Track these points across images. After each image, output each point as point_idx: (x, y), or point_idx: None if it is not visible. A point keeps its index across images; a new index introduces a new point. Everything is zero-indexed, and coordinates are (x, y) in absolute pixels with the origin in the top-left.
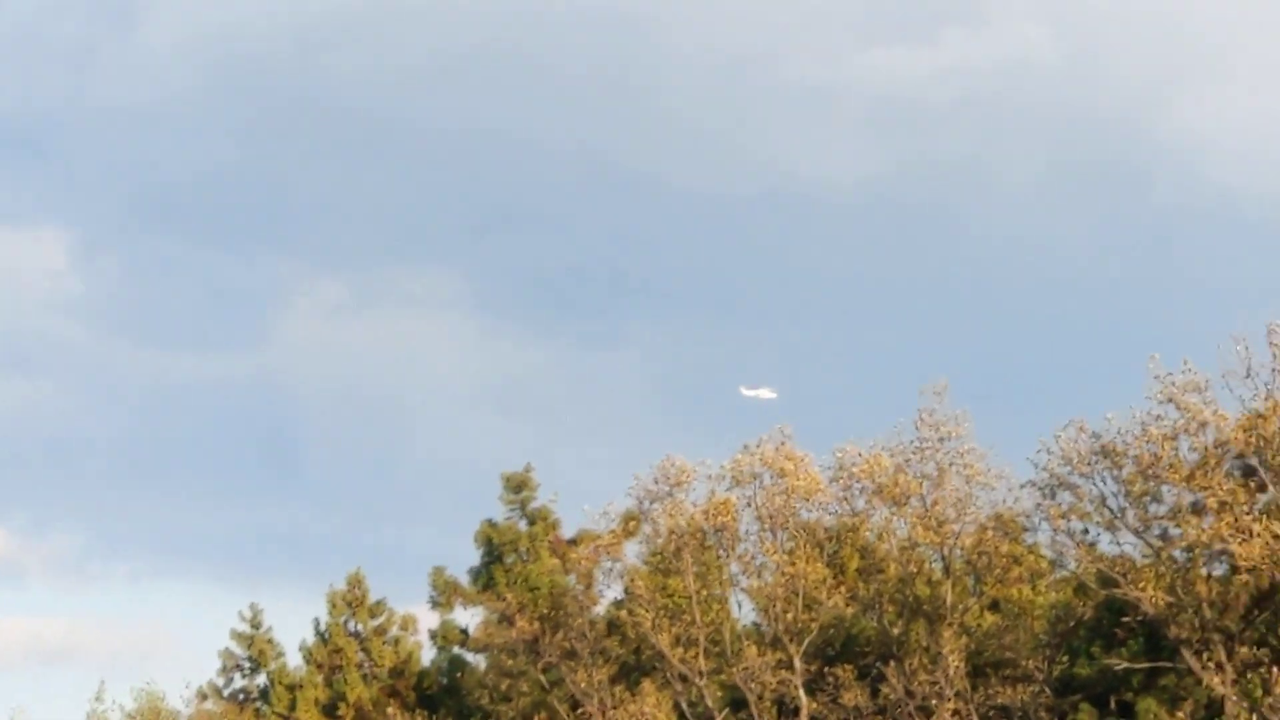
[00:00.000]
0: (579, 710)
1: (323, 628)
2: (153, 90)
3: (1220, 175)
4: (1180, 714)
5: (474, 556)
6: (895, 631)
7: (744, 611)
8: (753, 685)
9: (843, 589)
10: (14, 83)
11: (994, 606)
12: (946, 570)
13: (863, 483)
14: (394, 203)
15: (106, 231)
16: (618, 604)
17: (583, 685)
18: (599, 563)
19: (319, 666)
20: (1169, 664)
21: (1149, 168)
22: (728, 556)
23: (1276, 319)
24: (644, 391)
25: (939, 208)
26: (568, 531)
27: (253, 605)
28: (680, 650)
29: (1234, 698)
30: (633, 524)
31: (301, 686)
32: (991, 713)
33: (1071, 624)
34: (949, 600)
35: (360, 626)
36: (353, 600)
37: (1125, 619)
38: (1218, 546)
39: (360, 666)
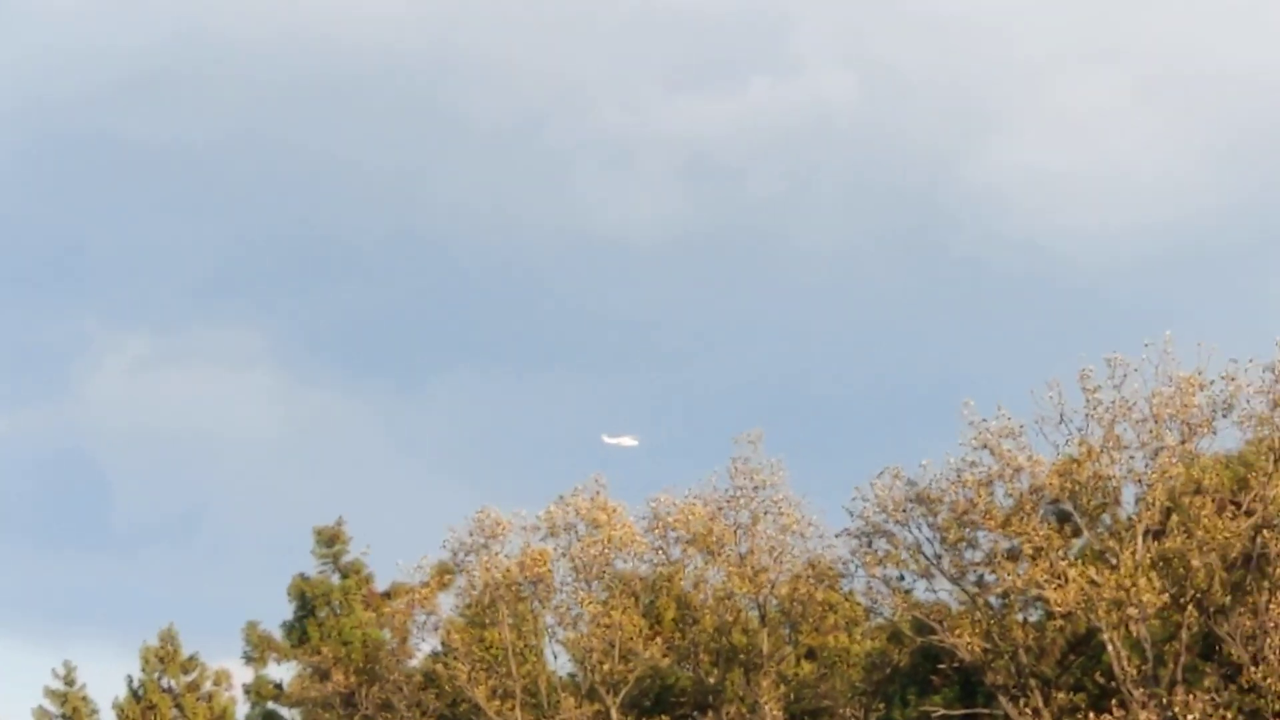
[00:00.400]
0: None
1: (136, 684)
2: None
3: (1021, 223)
4: None
5: (287, 610)
6: (711, 681)
7: (560, 663)
8: None
9: (659, 639)
10: None
11: (810, 655)
12: (763, 619)
13: (677, 532)
14: (197, 258)
15: None
16: (434, 656)
17: None
18: (413, 615)
19: None
20: (985, 710)
21: (955, 210)
22: (543, 608)
23: (1088, 364)
24: (455, 443)
25: (745, 256)
26: (381, 584)
27: (66, 663)
28: (497, 702)
29: None
30: (447, 576)
31: None
32: None
33: (887, 671)
34: (765, 649)
35: (173, 682)
36: (165, 656)
37: (941, 665)
38: (1033, 592)
39: None
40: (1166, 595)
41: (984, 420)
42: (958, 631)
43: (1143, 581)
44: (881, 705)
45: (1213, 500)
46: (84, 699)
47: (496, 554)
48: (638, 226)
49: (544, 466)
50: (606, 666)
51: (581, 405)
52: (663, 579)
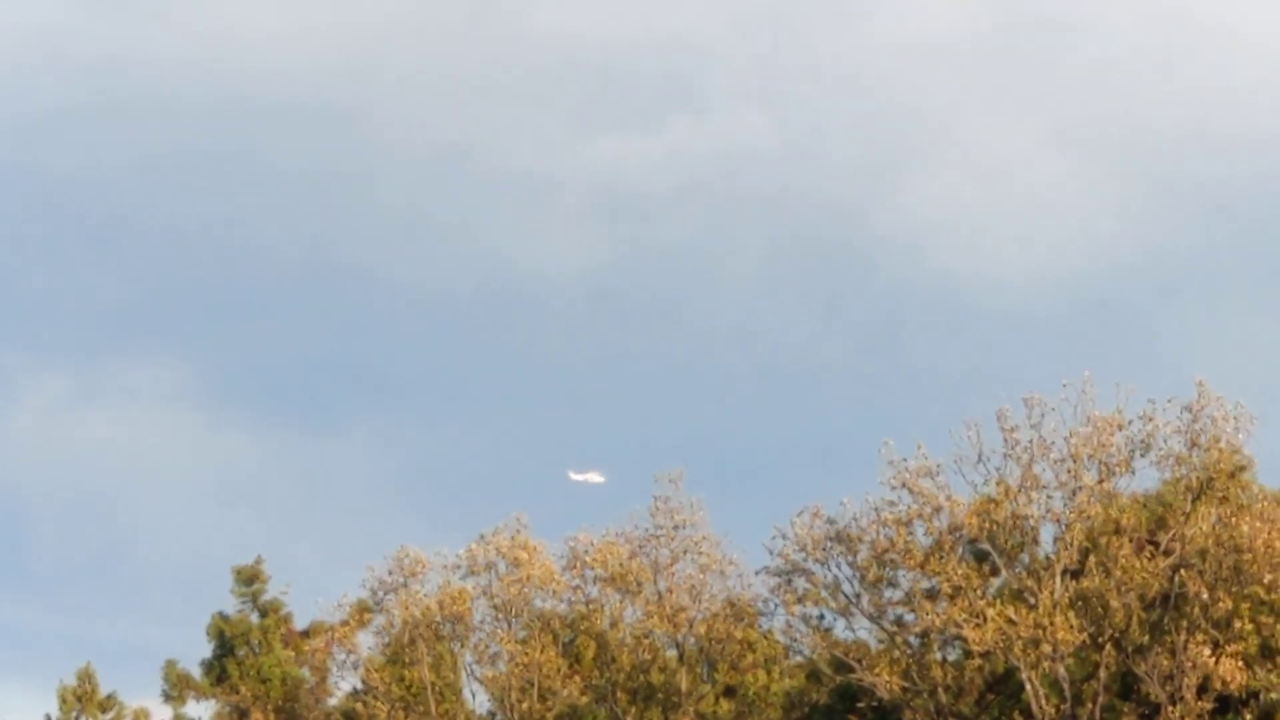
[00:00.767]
0: None
1: None
2: None
3: (942, 261)
4: None
5: (206, 649)
6: None
7: (479, 701)
8: None
9: (577, 678)
10: None
11: (729, 693)
12: (681, 657)
13: (595, 571)
14: (116, 296)
15: None
16: (353, 695)
17: None
18: (333, 654)
19: None
20: None
21: (871, 254)
22: (462, 647)
23: (1006, 404)
24: (374, 483)
25: (664, 296)
26: (301, 623)
27: None
28: None
29: None
30: (366, 615)
31: None
32: None
33: (806, 710)
34: (684, 687)
35: None
36: (83, 695)
37: (860, 704)
38: (952, 631)
39: None
40: (1084, 634)
41: (903, 460)
42: (876, 670)
43: (1060, 620)
44: None
45: (1131, 540)
46: None
47: (416, 592)
48: (554, 266)
49: (460, 506)
50: (525, 705)
51: (497, 446)
52: (581, 617)
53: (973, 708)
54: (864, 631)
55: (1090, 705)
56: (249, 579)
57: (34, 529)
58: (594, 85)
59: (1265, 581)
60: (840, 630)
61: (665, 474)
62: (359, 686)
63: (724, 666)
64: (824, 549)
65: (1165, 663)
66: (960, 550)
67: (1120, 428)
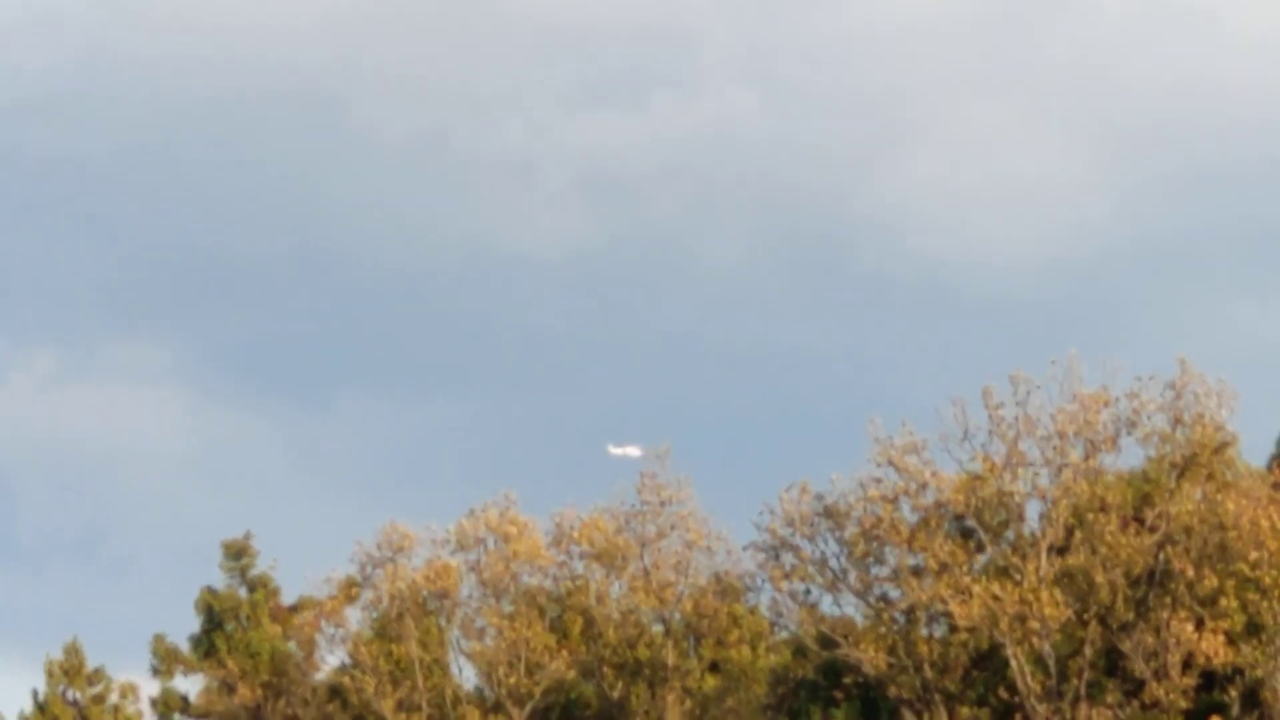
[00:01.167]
0: None
1: (41, 698)
2: None
3: (925, 241)
4: None
5: (194, 624)
6: (616, 695)
7: (467, 676)
8: None
9: (565, 653)
10: None
11: (715, 668)
12: (667, 633)
13: (581, 547)
14: (104, 276)
15: None
16: (341, 670)
17: None
18: (320, 629)
19: None
20: None
21: (853, 236)
22: (448, 622)
23: (991, 383)
24: (362, 459)
25: (649, 273)
26: (289, 598)
27: None
28: (403, 715)
29: None
30: (354, 590)
31: None
32: None
33: (792, 685)
34: (670, 663)
35: (78, 695)
36: (70, 669)
37: (845, 680)
38: (938, 607)
39: None
40: (1070, 611)
41: (889, 437)
42: (862, 646)
43: (1046, 597)
44: (786, 719)
45: (1116, 516)
46: None
47: (403, 566)
48: (541, 243)
49: (449, 484)
50: (513, 680)
51: (485, 421)
52: (568, 593)
53: (958, 683)
54: (850, 607)
55: (1075, 681)
56: (237, 554)
57: (22, 505)
58: (577, 63)
59: (1250, 559)
60: (826, 606)
61: (652, 449)
62: (346, 661)
63: (710, 642)
64: (811, 525)
65: (1150, 639)
66: (946, 527)
67: (1106, 405)
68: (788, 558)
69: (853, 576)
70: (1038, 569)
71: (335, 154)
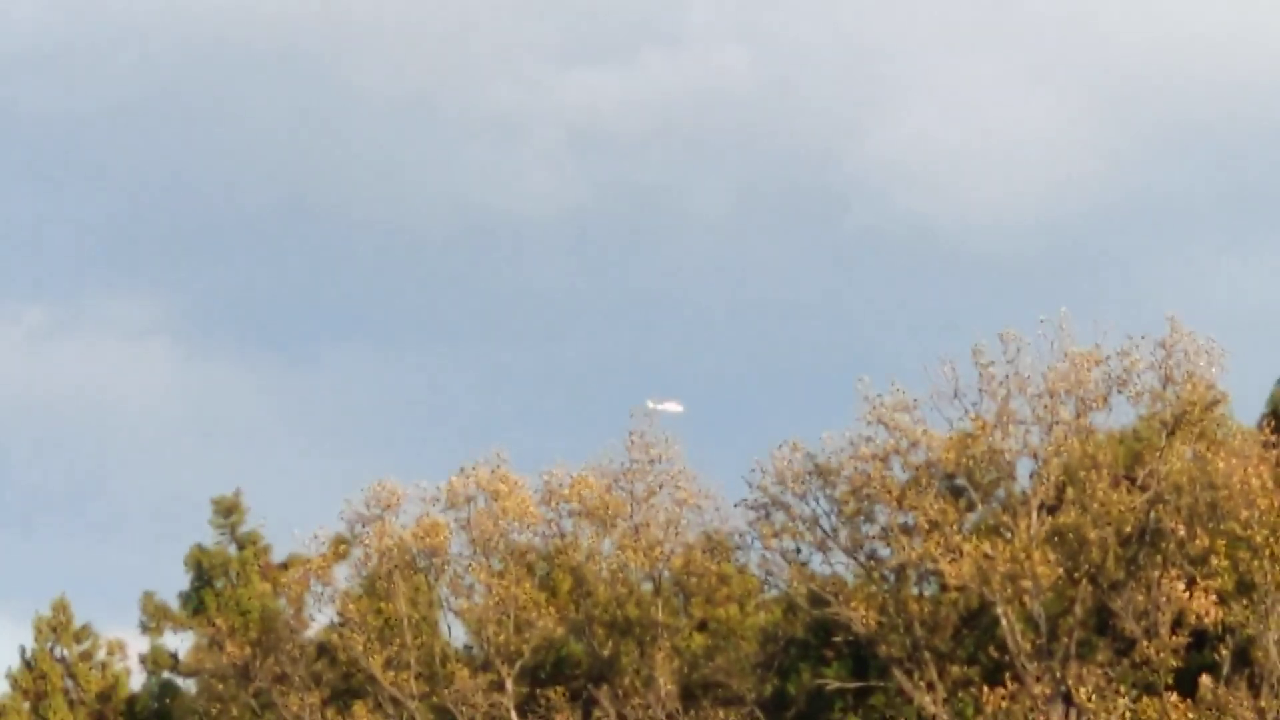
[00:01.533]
0: None
1: (28, 654)
2: None
3: (917, 197)
4: None
5: (184, 581)
6: (605, 653)
7: (456, 634)
8: (464, 708)
9: (554, 611)
10: None
11: (703, 627)
12: (656, 591)
13: (570, 504)
14: (92, 229)
15: None
16: (330, 628)
17: (294, 710)
18: (310, 586)
19: (25, 693)
20: (879, 683)
21: (842, 193)
22: (437, 580)
23: (981, 341)
24: (350, 415)
25: (639, 229)
26: (278, 555)
27: None
28: (392, 674)
29: (945, 717)
30: (343, 547)
31: (5, 714)
32: None
33: (781, 643)
34: (660, 621)
35: (66, 652)
36: (58, 626)
37: (835, 638)
38: (928, 566)
39: (67, 693)
40: (1061, 569)
41: (879, 395)
42: (853, 604)
43: (1037, 555)
44: (775, 677)
45: (1107, 475)
46: None
47: (392, 524)
48: (530, 200)
49: (439, 441)
50: (502, 637)
51: (475, 378)
52: (557, 551)
53: (948, 642)
54: (840, 566)
55: (1066, 640)
56: (227, 511)
57: (11, 460)
58: (567, 20)
59: (1241, 518)
60: (817, 564)
61: (640, 407)
62: (335, 619)
63: (699, 600)
64: (803, 483)
65: (1141, 598)
66: (937, 485)
67: (1097, 363)
68: (779, 516)
69: (843, 535)
70: (1028, 527)
71: (324, 110)
